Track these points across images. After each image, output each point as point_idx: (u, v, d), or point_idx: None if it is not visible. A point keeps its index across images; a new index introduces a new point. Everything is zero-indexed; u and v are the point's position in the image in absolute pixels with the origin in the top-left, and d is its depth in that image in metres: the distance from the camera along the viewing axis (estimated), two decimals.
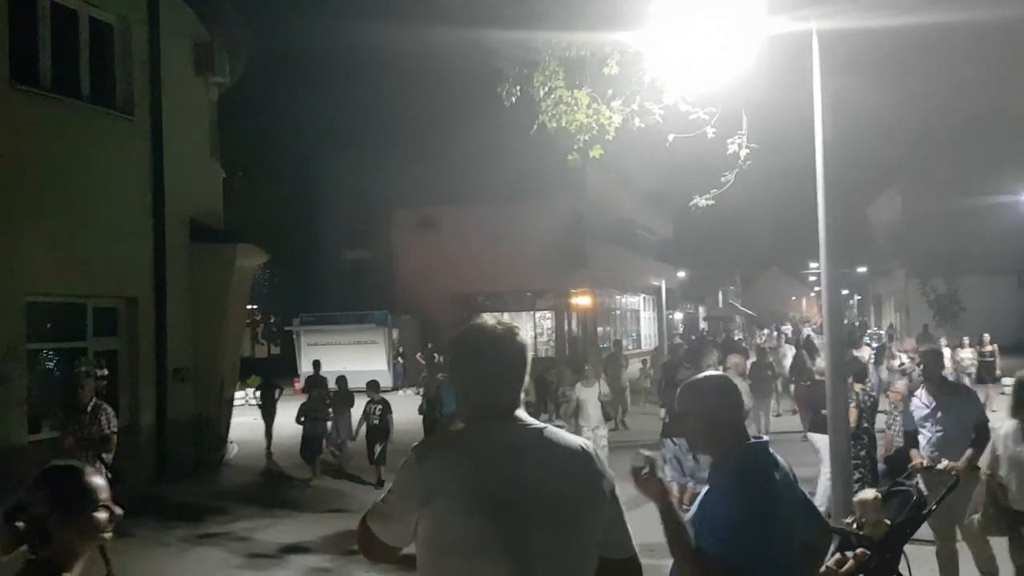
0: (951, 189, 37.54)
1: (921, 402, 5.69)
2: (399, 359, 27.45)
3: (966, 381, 15.06)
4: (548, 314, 32.45)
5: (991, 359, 16.95)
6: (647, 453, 2.56)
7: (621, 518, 2.06)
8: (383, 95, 29.65)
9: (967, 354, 17.83)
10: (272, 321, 40.30)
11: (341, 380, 13.51)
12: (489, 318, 2.17)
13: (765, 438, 2.69)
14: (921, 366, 6.28)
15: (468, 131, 25.25)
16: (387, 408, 11.52)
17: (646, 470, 2.50)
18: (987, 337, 17.45)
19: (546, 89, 4.61)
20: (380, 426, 11.33)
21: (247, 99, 28.52)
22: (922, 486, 5.01)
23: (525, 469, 1.94)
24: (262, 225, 29.74)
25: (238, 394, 16.03)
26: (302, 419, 12.17)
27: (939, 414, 5.49)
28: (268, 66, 28.37)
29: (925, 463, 5.45)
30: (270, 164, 33.87)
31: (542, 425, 2.08)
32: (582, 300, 30.93)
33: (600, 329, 33.91)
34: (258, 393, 15.62)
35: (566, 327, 31.77)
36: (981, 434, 5.20)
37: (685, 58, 4.41)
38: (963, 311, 14.20)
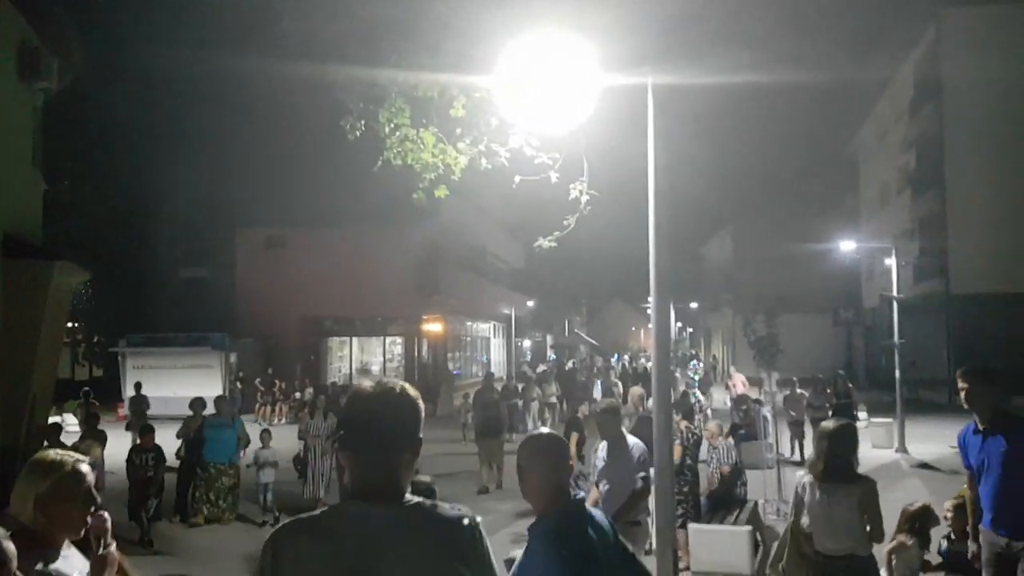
0: (776, 234, 40.80)
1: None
2: (237, 384, 26.18)
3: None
4: (399, 340, 32.14)
5: (846, 400, 16.12)
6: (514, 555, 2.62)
7: None
8: (229, 113, 28.48)
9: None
10: (96, 341, 37.38)
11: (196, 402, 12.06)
12: (369, 379, 2.06)
13: (582, 495, 2.78)
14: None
15: (318, 153, 24.73)
16: (160, 458, 10.44)
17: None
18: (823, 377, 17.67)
19: (391, 126, 4.59)
20: (154, 478, 10.22)
21: (82, 108, 26.64)
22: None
23: (378, 562, 1.82)
24: (91, 239, 27.69)
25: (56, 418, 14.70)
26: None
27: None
28: (108, 76, 26.63)
29: None
30: (104, 176, 31.63)
31: (418, 503, 1.94)
32: (433, 327, 30.88)
33: (450, 355, 33.97)
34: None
35: (416, 353, 31.57)
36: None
37: (529, 105, 4.54)
38: (781, 352, 14.95)
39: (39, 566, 2.42)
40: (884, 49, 35.08)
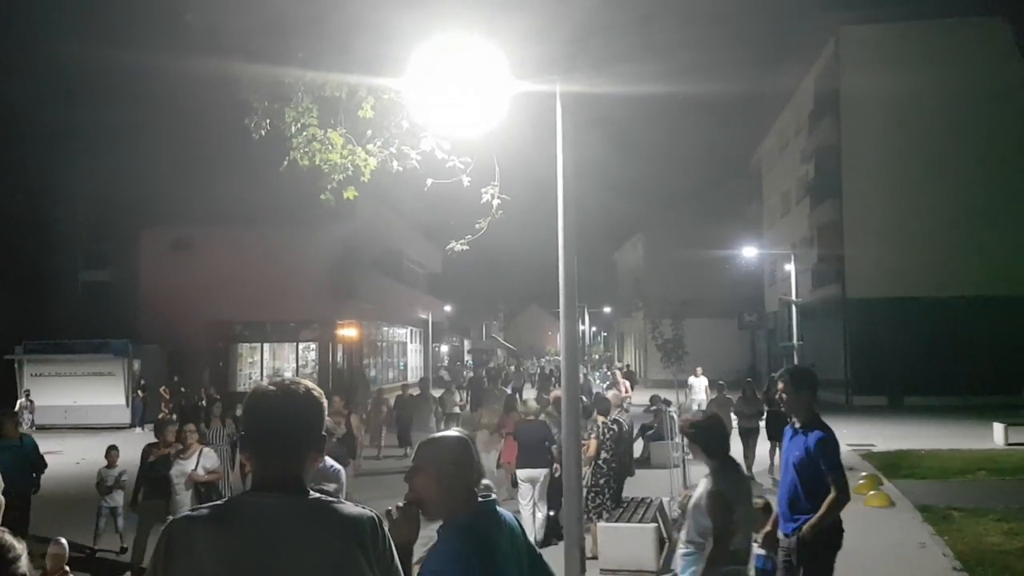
0: (684, 241, 42.03)
1: None
2: (139, 392, 25.15)
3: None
4: (312, 345, 31.53)
5: (779, 407, 13.61)
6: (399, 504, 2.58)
7: None
8: (134, 110, 27.36)
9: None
10: None
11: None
12: (273, 377, 2.04)
13: (493, 496, 2.76)
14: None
15: (227, 152, 24.03)
16: None
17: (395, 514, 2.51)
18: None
19: (298, 126, 4.53)
20: None
21: None
22: None
23: (276, 553, 1.82)
24: None
25: None
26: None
27: None
28: (3, 70, 25.28)
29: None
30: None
31: (319, 498, 1.94)
32: (348, 331, 30.43)
33: (367, 361, 33.54)
34: None
35: (331, 359, 31.04)
36: None
37: (440, 108, 4.57)
38: (687, 354, 15.17)
39: None
40: (787, 62, 36.62)
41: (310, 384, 2.06)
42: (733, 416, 14.05)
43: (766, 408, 13.70)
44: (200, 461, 8.22)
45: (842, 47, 30.84)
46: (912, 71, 27.04)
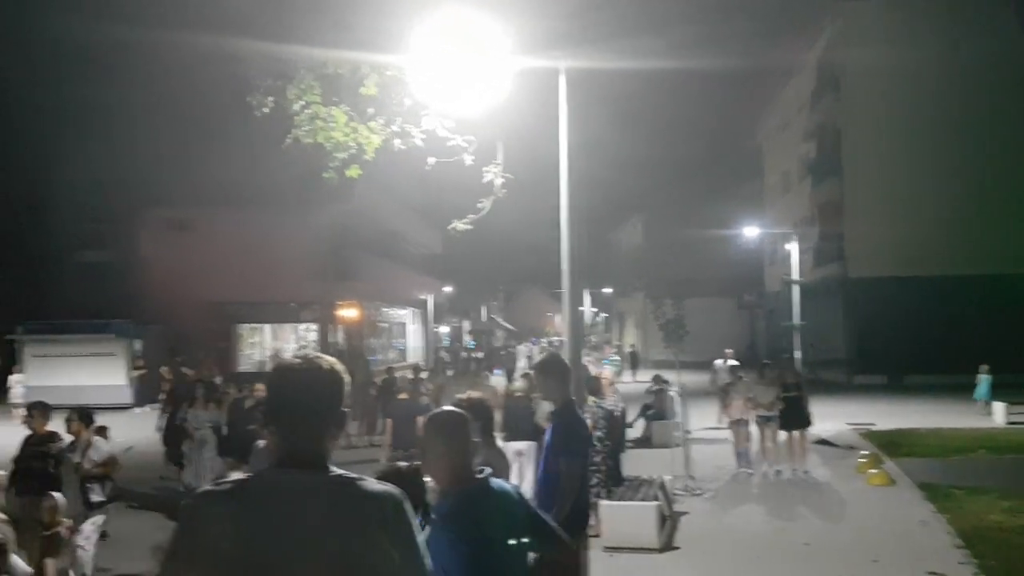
0: (684, 220, 41.94)
1: None
2: (132, 372, 25.06)
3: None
4: (313, 326, 31.55)
5: (796, 393, 11.92)
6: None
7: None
8: (131, 90, 27.16)
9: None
10: None
11: None
12: (291, 353, 2.02)
13: (488, 471, 2.80)
14: None
15: (226, 132, 23.88)
16: None
17: None
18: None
19: (301, 103, 4.50)
20: None
21: None
22: None
23: (296, 529, 1.81)
24: None
25: None
26: None
27: None
28: (2, 50, 25.07)
29: None
30: None
31: (341, 474, 1.91)
32: (348, 312, 30.44)
33: (366, 342, 33.58)
34: None
35: (331, 339, 31.07)
36: None
37: (442, 86, 4.52)
38: (688, 334, 15.10)
39: None
40: (789, 39, 36.32)
41: (333, 359, 2.05)
42: (747, 403, 12.03)
43: (781, 394, 11.85)
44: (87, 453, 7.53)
45: (844, 23, 30.58)
46: (914, 47, 26.83)
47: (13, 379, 21.23)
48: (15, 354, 25.23)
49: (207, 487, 1.95)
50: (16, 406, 18.77)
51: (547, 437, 4.81)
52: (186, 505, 1.89)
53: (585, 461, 4.78)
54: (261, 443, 5.26)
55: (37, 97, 29.17)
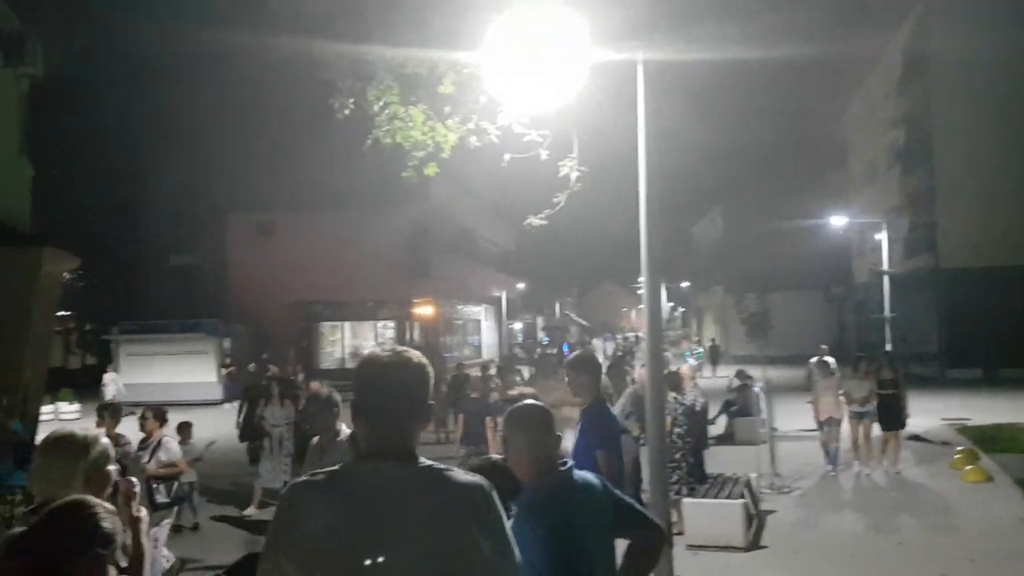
0: (766, 212, 40.85)
1: None
2: (221, 370, 25.98)
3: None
4: (390, 324, 32.16)
5: (892, 391, 11.22)
6: None
7: (508, 569, 1.94)
8: (217, 98, 28.25)
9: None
10: (88, 329, 37.26)
11: None
12: (376, 347, 2.07)
13: (570, 463, 2.79)
14: None
15: (307, 137, 24.57)
16: None
17: None
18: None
19: (380, 104, 4.57)
20: None
21: (71, 93, 26.38)
22: None
23: (391, 518, 1.84)
24: (81, 226, 27.54)
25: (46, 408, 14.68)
26: None
27: None
28: (97, 61, 26.43)
29: None
30: (93, 163, 31.42)
31: (431, 465, 1.94)
32: (424, 310, 30.90)
33: (442, 338, 34.01)
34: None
35: (408, 337, 31.60)
36: None
37: (518, 81, 4.51)
38: (773, 329, 14.56)
39: None
40: (873, 25, 35.06)
41: (419, 354, 2.08)
42: (842, 399, 11.32)
43: (877, 392, 11.17)
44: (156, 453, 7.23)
45: (931, 7, 29.30)
46: (1004, 31, 25.49)
47: (106, 378, 22.32)
48: (110, 354, 26.53)
49: (304, 477, 1.98)
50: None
51: (576, 434, 4.82)
52: (287, 494, 1.93)
53: (620, 455, 4.81)
54: (315, 440, 5.32)
55: (129, 106, 30.63)
